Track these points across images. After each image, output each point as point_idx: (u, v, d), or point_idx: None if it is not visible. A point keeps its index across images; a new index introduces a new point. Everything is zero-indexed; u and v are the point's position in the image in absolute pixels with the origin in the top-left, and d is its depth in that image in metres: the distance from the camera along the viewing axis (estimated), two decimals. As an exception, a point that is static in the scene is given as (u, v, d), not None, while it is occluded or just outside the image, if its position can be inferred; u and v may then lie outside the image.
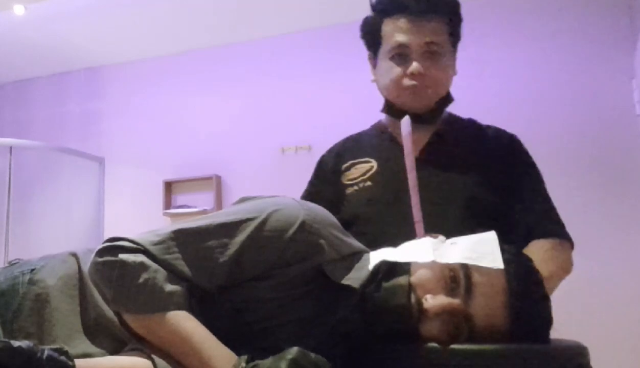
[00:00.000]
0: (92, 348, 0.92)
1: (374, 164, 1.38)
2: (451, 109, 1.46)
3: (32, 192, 3.99)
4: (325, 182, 1.44)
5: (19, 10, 4.01)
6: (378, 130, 1.49)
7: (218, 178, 4.51)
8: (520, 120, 3.66)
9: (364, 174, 1.37)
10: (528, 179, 1.35)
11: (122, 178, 4.71)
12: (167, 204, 4.59)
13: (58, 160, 4.18)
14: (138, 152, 4.79)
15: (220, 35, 4.54)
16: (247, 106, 4.52)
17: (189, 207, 4.49)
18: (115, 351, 0.93)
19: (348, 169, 1.40)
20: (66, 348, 0.78)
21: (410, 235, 1.08)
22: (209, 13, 4.22)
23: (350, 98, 3.99)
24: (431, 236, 1.03)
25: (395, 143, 1.40)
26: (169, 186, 4.63)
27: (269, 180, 4.29)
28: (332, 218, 1.05)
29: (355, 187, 1.36)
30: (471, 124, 1.46)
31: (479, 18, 3.80)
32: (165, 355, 0.88)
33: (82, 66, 5.03)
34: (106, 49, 4.74)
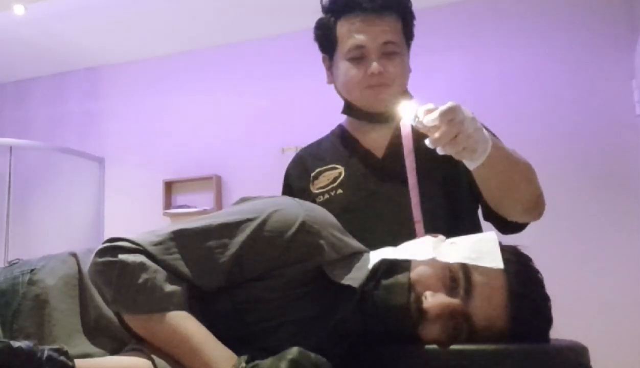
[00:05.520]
0: (92, 348, 0.92)
1: (341, 169, 1.37)
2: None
3: (32, 192, 3.98)
4: (294, 194, 1.40)
5: (18, 10, 4.00)
6: (339, 134, 1.48)
7: (218, 178, 4.51)
8: (519, 120, 3.67)
9: (333, 181, 1.36)
10: None
11: (122, 178, 4.71)
12: (167, 204, 4.59)
13: (58, 160, 4.17)
14: (138, 152, 4.78)
15: (220, 35, 4.54)
16: (247, 106, 4.52)
17: (189, 207, 4.49)
18: (115, 351, 0.93)
19: (316, 177, 1.40)
20: (66, 348, 0.78)
21: (395, 238, 1.06)
22: (209, 13, 4.21)
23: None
24: (431, 235, 1.03)
25: (358, 145, 1.41)
26: (169, 186, 4.62)
27: (269, 180, 4.24)
28: (332, 218, 1.05)
29: (327, 196, 1.35)
30: None
31: (478, 17, 3.80)
32: (165, 355, 0.88)
33: (82, 66, 5.03)
34: (106, 49, 4.74)
